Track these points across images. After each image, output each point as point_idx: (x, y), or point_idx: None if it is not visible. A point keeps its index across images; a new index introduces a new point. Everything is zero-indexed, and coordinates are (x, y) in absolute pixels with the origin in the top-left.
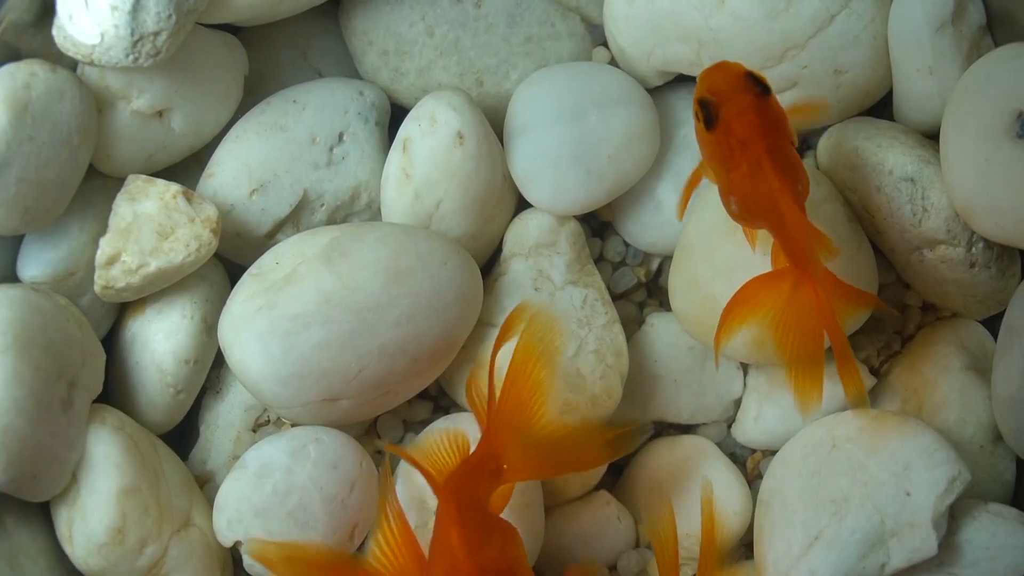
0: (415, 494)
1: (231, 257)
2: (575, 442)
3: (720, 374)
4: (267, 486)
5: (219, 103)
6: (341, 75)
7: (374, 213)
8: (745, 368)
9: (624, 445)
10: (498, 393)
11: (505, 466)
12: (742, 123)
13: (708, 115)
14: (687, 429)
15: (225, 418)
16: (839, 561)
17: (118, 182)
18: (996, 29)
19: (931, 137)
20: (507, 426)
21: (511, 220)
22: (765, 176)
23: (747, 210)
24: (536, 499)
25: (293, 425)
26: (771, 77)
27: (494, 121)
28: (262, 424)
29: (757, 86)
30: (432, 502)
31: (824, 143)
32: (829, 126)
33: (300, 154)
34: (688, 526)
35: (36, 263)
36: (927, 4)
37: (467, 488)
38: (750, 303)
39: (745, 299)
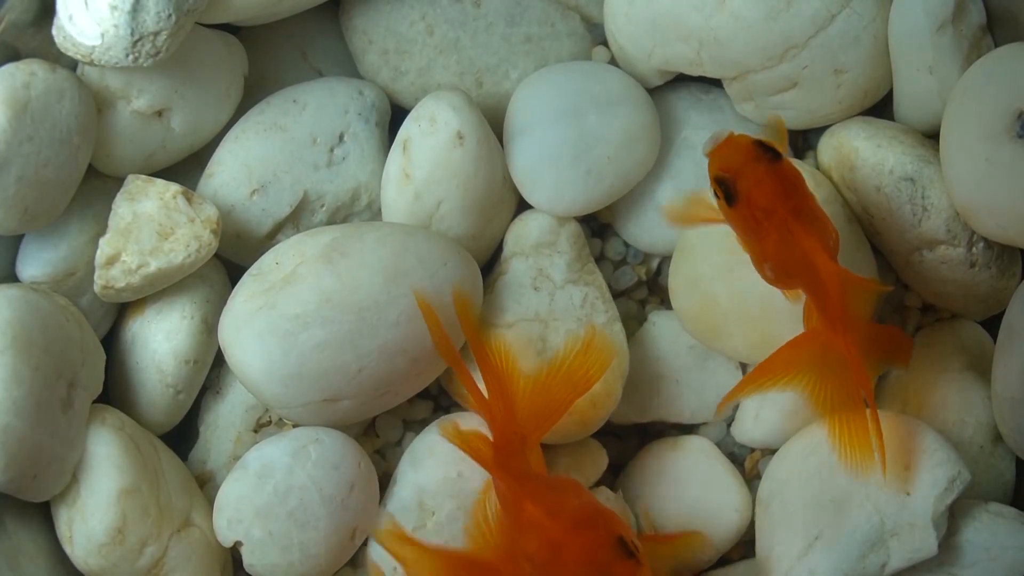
0: (413, 496)
1: (231, 258)
2: (565, 374)
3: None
4: (268, 486)
5: (219, 103)
6: (341, 75)
7: (374, 214)
8: (744, 368)
9: (604, 346)
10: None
11: (526, 431)
12: (762, 192)
13: (727, 192)
14: (687, 429)
15: (225, 418)
16: (839, 561)
17: (118, 182)
18: (996, 29)
19: (931, 137)
20: (506, 398)
21: (511, 220)
22: (796, 239)
23: (784, 273)
24: None
25: (294, 425)
26: (771, 77)
27: (494, 121)
28: (264, 424)
29: (768, 153)
30: (431, 502)
31: (824, 143)
32: (829, 126)
33: (300, 154)
34: (690, 525)
35: (36, 263)
36: (927, 4)
37: (516, 463)
38: (783, 368)
39: (778, 365)
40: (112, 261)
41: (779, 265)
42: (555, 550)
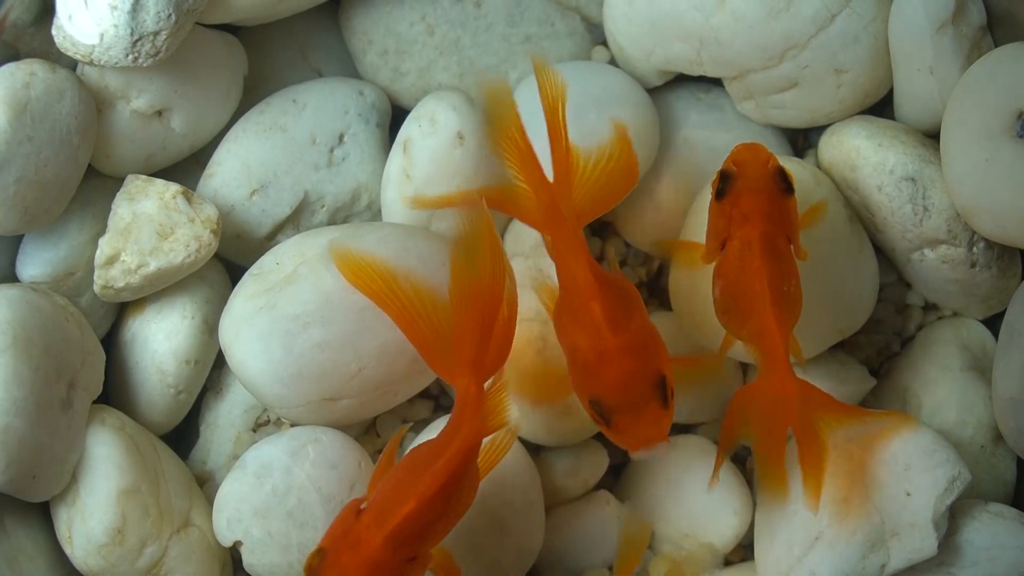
0: None
1: (232, 258)
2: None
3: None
4: (266, 486)
5: (219, 103)
6: (341, 75)
7: (374, 214)
8: (744, 368)
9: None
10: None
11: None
12: (751, 200)
13: (723, 184)
14: (687, 429)
15: (225, 418)
16: (839, 561)
17: (117, 182)
18: (997, 28)
19: (932, 137)
20: (567, 176)
21: (511, 220)
22: (751, 256)
23: (729, 297)
24: (536, 499)
25: (293, 425)
26: (771, 77)
27: None
28: (262, 424)
29: (783, 182)
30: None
31: (825, 142)
32: (829, 125)
33: (300, 155)
34: (689, 526)
35: (35, 263)
36: (928, 4)
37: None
38: (737, 419)
39: (732, 418)
40: (111, 261)
41: (728, 285)
42: (603, 363)
